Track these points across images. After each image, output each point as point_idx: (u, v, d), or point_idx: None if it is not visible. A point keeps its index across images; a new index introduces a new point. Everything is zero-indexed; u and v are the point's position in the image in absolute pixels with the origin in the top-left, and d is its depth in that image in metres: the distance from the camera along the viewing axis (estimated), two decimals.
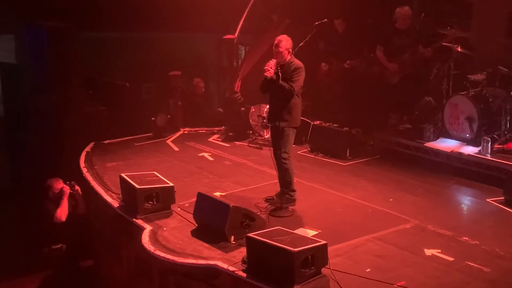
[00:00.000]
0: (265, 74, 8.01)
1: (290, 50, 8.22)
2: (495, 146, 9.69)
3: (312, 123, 11.15)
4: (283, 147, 8.34)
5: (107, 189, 9.37)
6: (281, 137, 8.34)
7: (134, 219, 8.26)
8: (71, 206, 9.96)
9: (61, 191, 9.90)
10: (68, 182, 9.98)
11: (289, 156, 8.42)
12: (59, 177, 10.03)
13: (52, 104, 12.29)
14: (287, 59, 8.19)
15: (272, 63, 8.06)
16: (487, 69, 10.42)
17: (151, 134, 12.28)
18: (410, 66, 11.16)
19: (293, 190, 8.52)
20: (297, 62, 8.26)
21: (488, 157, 9.48)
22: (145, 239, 7.70)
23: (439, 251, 7.15)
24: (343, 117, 11.39)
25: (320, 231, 7.69)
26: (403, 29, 11.15)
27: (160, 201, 8.40)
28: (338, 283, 6.37)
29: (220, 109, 13.70)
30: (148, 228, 7.98)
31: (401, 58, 11.15)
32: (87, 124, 12.29)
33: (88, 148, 11.43)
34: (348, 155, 10.70)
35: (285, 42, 8.17)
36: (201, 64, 13.92)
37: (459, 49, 10.55)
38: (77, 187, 10.01)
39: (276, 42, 8.20)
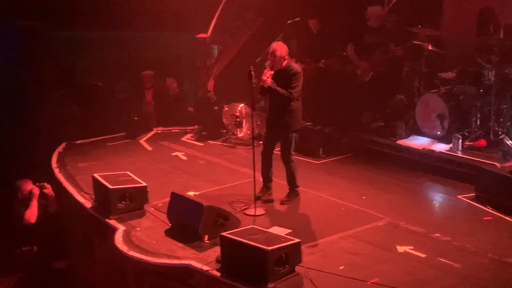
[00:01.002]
0: (263, 84, 8.24)
1: (286, 56, 8.37)
2: (466, 143, 9.80)
3: None
4: (287, 151, 8.58)
5: (79, 189, 9.32)
6: (284, 142, 8.57)
7: (107, 220, 8.22)
8: (41, 207, 9.86)
9: (31, 193, 9.79)
10: (37, 184, 9.88)
11: (293, 158, 8.70)
12: (29, 178, 9.93)
13: (24, 104, 12.18)
14: (284, 65, 8.33)
15: (269, 73, 8.23)
16: (458, 67, 10.53)
17: (124, 133, 12.22)
18: (381, 64, 11.21)
19: (298, 186, 8.84)
20: (295, 67, 8.43)
21: (459, 154, 9.58)
22: (119, 239, 7.67)
23: (412, 247, 7.21)
24: (316, 115, 11.42)
25: (293, 229, 7.71)
26: (375, 28, 11.21)
27: (133, 201, 8.38)
28: (312, 281, 6.39)
29: (191, 109, 13.67)
30: (121, 228, 7.95)
31: (372, 56, 11.20)
32: (59, 124, 12.20)
33: (60, 148, 11.36)
34: (321, 153, 10.74)
35: (279, 50, 8.31)
36: (175, 63, 13.87)
37: (430, 47, 10.63)
38: (48, 186, 9.90)
39: (271, 50, 8.32)
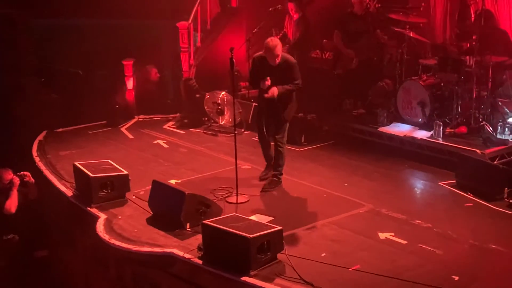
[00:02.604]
0: (269, 96, 8.33)
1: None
2: (447, 130, 9.84)
3: None
4: (282, 132, 8.69)
5: (60, 178, 9.27)
6: (280, 123, 8.67)
7: (89, 208, 8.19)
8: (21, 195, 9.78)
9: (11, 182, 9.70)
10: (18, 174, 9.79)
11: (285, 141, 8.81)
12: (9, 167, 9.85)
13: (4, 93, 12.08)
14: (279, 59, 8.35)
15: (267, 83, 8.31)
16: (439, 54, 10.57)
17: (105, 122, 12.15)
18: (366, 51, 11.20)
19: (282, 174, 8.86)
20: (291, 58, 8.52)
21: (440, 141, 9.62)
22: (100, 228, 7.65)
23: (393, 234, 7.25)
24: (298, 103, 11.39)
25: (275, 217, 7.72)
26: (360, 15, 11.16)
27: (115, 190, 8.35)
28: (294, 269, 6.42)
29: (169, 101, 13.60)
30: (102, 216, 7.93)
31: (357, 43, 11.17)
32: (40, 112, 12.11)
33: (40, 137, 11.26)
34: (303, 140, 10.73)
35: (279, 46, 8.33)
36: (156, 51, 13.79)
37: (412, 34, 10.65)
38: (27, 173, 9.81)
39: (271, 46, 8.26)
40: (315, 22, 11.98)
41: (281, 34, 11.79)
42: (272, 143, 8.90)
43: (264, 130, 8.84)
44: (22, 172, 9.84)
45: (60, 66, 13.49)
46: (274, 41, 8.31)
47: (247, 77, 12.22)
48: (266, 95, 8.35)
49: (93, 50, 13.36)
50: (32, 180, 9.86)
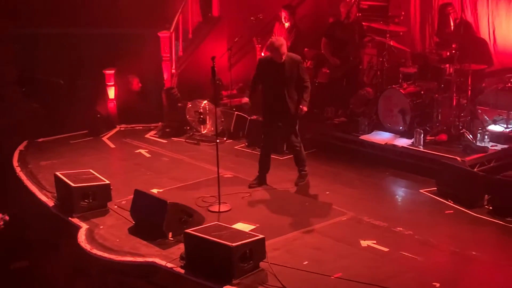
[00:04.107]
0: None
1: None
2: (427, 137, 9.91)
3: (249, 118, 11.18)
4: (295, 133, 9.12)
5: (41, 188, 9.23)
6: (292, 125, 8.99)
7: (70, 218, 8.17)
8: None
9: None
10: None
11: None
12: None
13: None
14: (284, 57, 8.59)
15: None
16: (419, 62, 10.65)
17: (86, 131, 12.11)
18: (351, 60, 11.24)
19: (306, 166, 9.32)
20: (294, 56, 8.81)
21: (421, 148, 9.68)
22: (81, 238, 7.63)
23: (375, 241, 7.29)
24: None
25: (257, 225, 7.73)
26: (346, 24, 11.17)
27: (96, 199, 8.34)
28: (276, 277, 6.43)
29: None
30: (84, 226, 7.91)
31: (343, 52, 11.20)
32: (21, 122, 12.04)
33: (21, 147, 11.20)
34: (285, 149, 10.73)
35: (285, 45, 8.62)
36: (138, 60, 13.79)
37: (392, 43, 10.73)
38: (7, 218, 9.62)
39: (277, 45, 8.54)
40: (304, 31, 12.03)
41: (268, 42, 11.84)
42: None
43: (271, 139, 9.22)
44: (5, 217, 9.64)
45: (41, 75, 13.42)
46: (280, 40, 8.65)
47: (229, 85, 12.34)
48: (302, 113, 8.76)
49: (75, 59, 13.32)
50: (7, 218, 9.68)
